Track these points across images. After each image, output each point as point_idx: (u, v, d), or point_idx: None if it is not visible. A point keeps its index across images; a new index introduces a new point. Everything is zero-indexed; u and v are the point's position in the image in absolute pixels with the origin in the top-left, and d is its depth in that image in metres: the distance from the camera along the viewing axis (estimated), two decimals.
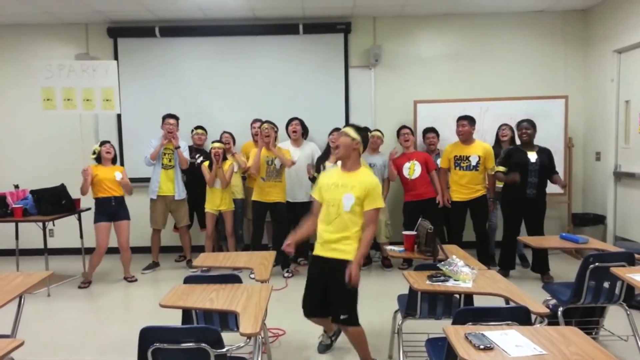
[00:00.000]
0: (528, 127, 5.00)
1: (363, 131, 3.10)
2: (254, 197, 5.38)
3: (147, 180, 5.68)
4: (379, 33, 6.47)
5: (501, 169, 5.06)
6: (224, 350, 1.96)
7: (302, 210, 5.40)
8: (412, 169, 5.42)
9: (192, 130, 5.99)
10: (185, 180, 5.79)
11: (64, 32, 6.52)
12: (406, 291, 3.01)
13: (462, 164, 5.21)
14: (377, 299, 4.69)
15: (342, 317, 2.95)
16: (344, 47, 6.42)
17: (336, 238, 2.95)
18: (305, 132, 5.78)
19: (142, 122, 6.17)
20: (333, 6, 5.96)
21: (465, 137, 5.23)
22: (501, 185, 5.24)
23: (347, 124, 3.24)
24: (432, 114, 6.15)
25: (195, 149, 5.93)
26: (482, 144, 5.25)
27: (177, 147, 5.52)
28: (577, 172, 6.38)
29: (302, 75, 6.47)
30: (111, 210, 5.20)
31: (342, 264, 2.90)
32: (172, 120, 5.59)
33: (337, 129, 5.35)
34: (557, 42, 6.36)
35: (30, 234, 5.60)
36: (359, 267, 2.89)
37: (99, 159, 5.21)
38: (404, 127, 5.65)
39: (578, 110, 6.27)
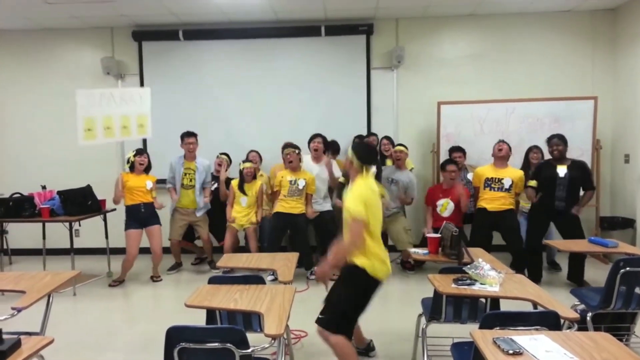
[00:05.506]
0: (559, 143, 4.89)
1: (356, 145, 3.02)
2: (276, 209, 5.32)
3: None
4: (402, 34, 6.43)
5: (532, 183, 5.00)
6: (249, 350, 1.96)
7: (321, 219, 5.43)
8: (445, 207, 5.35)
9: (217, 157, 5.97)
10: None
11: (89, 35, 6.65)
12: (429, 294, 2.98)
13: (493, 185, 5.06)
14: (400, 302, 4.66)
15: (320, 315, 2.87)
16: (366, 49, 6.40)
17: None
18: (327, 148, 5.63)
19: (166, 124, 6.24)
20: (355, 8, 5.95)
21: (503, 159, 5.09)
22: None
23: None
24: (456, 116, 6.08)
25: (213, 176, 5.90)
26: (515, 170, 5.16)
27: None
28: (605, 174, 6.24)
29: (324, 77, 6.47)
30: (141, 216, 5.24)
31: (345, 266, 2.87)
32: (191, 139, 5.58)
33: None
34: (585, 42, 6.24)
35: (57, 233, 5.72)
36: (326, 268, 2.83)
37: (132, 168, 5.26)
38: (449, 161, 5.41)
39: (606, 112, 6.13)
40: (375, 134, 6.14)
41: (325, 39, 6.38)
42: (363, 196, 2.77)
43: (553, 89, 6.16)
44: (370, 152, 3.02)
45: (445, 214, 5.35)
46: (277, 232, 5.34)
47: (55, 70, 6.70)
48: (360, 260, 2.79)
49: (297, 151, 5.29)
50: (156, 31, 6.50)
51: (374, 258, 2.80)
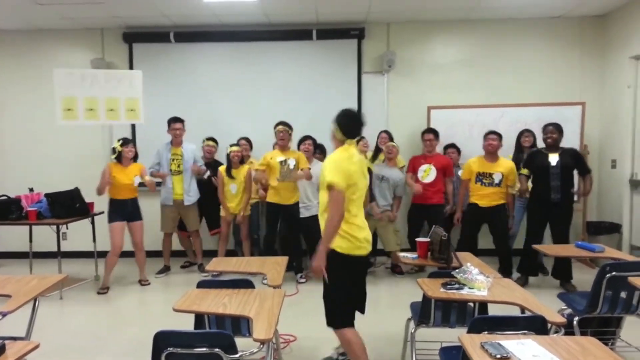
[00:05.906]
0: (554, 130, 4.95)
1: (340, 117, 2.87)
2: (269, 199, 5.36)
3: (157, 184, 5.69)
4: (393, 39, 6.46)
5: (525, 171, 5.06)
6: (237, 355, 1.95)
7: (310, 224, 5.37)
8: (427, 173, 5.39)
9: (203, 141, 5.99)
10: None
11: (80, 37, 6.59)
12: (418, 298, 2.99)
13: (484, 180, 5.12)
14: (389, 307, 4.67)
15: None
16: (357, 53, 6.43)
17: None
18: (316, 150, 5.67)
19: (156, 127, 6.19)
20: (347, 12, 5.97)
21: (493, 153, 5.13)
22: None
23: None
24: (446, 120, 6.13)
25: (204, 163, 5.90)
26: (506, 161, 5.17)
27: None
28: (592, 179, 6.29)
29: (315, 81, 6.48)
30: (126, 211, 5.20)
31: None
32: (178, 125, 5.57)
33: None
34: (573, 48, 6.31)
35: (44, 236, 5.66)
36: (320, 255, 2.66)
37: (118, 158, 5.16)
38: (428, 130, 5.57)
39: (594, 117, 6.21)
40: (364, 137, 6.14)
41: (316, 42, 6.40)
42: (341, 166, 2.70)
43: (542, 95, 6.22)
44: (355, 123, 2.86)
45: (428, 179, 5.39)
46: (274, 223, 5.37)
47: (46, 71, 6.59)
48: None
49: (290, 131, 5.26)
50: (147, 33, 6.47)
51: (340, 237, 2.72)
